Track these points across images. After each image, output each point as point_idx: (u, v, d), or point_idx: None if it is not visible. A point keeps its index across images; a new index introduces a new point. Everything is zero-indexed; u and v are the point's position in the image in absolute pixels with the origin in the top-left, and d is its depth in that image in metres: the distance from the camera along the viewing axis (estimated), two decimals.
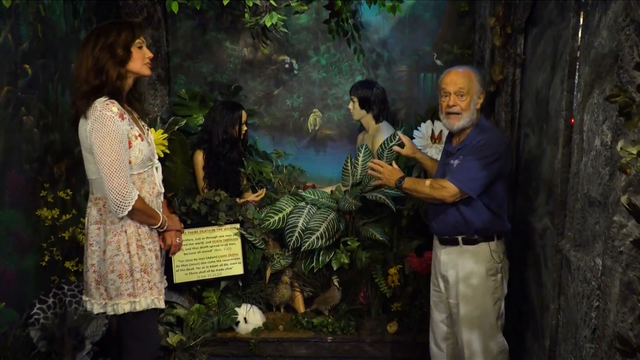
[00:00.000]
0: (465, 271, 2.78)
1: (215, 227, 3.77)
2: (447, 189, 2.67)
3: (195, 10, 4.17)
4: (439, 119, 3.84)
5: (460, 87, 2.73)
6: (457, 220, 2.77)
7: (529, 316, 2.99)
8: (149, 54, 2.47)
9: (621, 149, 1.39)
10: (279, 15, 3.42)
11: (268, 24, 3.41)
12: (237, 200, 3.95)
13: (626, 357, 1.53)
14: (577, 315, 2.33)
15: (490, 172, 2.66)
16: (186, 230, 3.67)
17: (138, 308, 2.42)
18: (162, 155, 3.79)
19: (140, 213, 2.39)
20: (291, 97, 4.50)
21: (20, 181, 2.99)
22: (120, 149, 2.30)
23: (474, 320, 2.77)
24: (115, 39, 2.36)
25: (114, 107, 2.30)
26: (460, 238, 2.79)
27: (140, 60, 2.43)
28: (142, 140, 2.42)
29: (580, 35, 2.49)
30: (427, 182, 2.78)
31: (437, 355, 3.02)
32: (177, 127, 4.03)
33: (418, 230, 3.84)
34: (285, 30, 3.80)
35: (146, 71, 2.48)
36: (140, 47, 2.43)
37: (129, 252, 2.41)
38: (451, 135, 2.92)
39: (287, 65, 4.47)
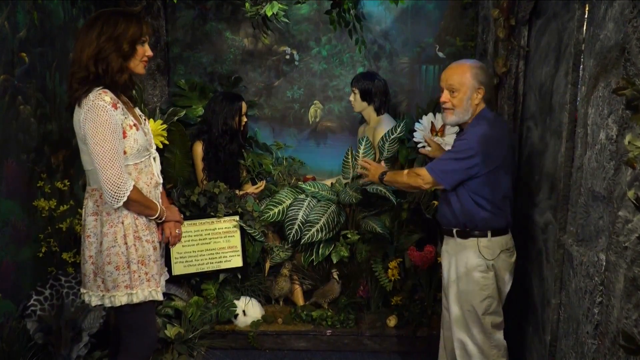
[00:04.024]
0: (456, 263, 2.78)
1: (214, 219, 3.75)
2: (422, 177, 2.71)
3: None
4: (440, 112, 3.83)
5: (450, 83, 2.71)
6: (448, 212, 2.77)
7: (530, 311, 2.97)
8: (149, 52, 2.42)
9: (629, 142, 1.36)
10: (280, 5, 3.38)
11: (269, 14, 3.37)
12: (237, 192, 3.92)
13: (630, 354, 1.51)
14: (579, 311, 2.31)
15: (465, 167, 2.63)
16: (185, 222, 3.64)
17: (135, 300, 2.40)
18: (161, 147, 3.76)
19: (137, 204, 2.36)
20: (292, 88, 4.47)
21: (17, 171, 2.96)
22: (114, 139, 2.26)
23: (460, 315, 2.76)
24: (123, 32, 2.31)
25: (107, 97, 2.27)
26: (454, 230, 2.77)
27: (139, 57, 2.38)
28: (138, 129, 2.38)
29: (585, 27, 2.46)
30: (405, 171, 2.84)
31: (441, 351, 2.99)
32: (176, 117, 4.00)
33: (419, 224, 3.82)
34: (286, 21, 3.76)
35: (141, 70, 2.43)
36: (142, 44, 2.39)
37: (126, 243, 2.37)
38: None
39: (287, 56, 4.43)
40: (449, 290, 2.81)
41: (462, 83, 2.70)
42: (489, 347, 2.74)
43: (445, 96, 2.74)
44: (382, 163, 3.16)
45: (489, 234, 2.72)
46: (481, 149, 2.63)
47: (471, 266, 2.72)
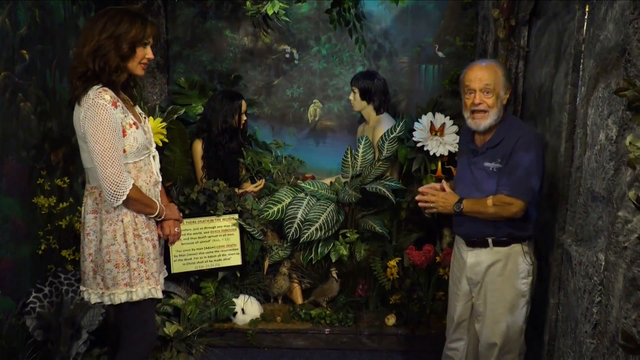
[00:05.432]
0: (495, 273, 2.64)
1: (213, 218, 3.75)
2: (514, 205, 2.48)
3: None
4: (439, 111, 3.83)
5: (486, 83, 2.54)
6: (485, 222, 2.59)
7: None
8: (150, 55, 2.40)
9: (630, 143, 1.37)
10: (280, 4, 3.38)
11: (270, 13, 3.37)
12: (236, 190, 3.92)
13: (629, 353, 1.52)
14: (577, 311, 2.32)
15: (541, 177, 2.53)
16: (184, 220, 3.64)
17: (135, 298, 2.40)
18: (160, 144, 3.76)
19: (136, 202, 2.36)
20: (291, 87, 4.47)
21: (17, 168, 2.96)
22: (114, 137, 2.26)
23: (502, 323, 2.65)
24: (124, 32, 2.30)
25: (107, 95, 2.27)
26: (490, 240, 2.62)
27: (138, 59, 2.37)
28: (137, 128, 2.38)
29: (585, 28, 2.47)
30: (489, 201, 2.54)
31: (450, 355, 2.91)
32: (176, 116, 3.99)
33: (418, 223, 3.82)
34: (287, 19, 3.76)
35: (139, 72, 2.41)
36: (144, 46, 2.37)
37: (126, 241, 2.38)
38: (471, 131, 2.70)
39: (287, 55, 4.43)
40: (486, 299, 2.66)
41: (497, 83, 2.55)
42: (517, 355, 2.72)
43: (479, 98, 2.55)
44: (446, 187, 2.72)
45: (527, 238, 2.63)
46: (541, 153, 2.55)
47: (514, 274, 2.61)
